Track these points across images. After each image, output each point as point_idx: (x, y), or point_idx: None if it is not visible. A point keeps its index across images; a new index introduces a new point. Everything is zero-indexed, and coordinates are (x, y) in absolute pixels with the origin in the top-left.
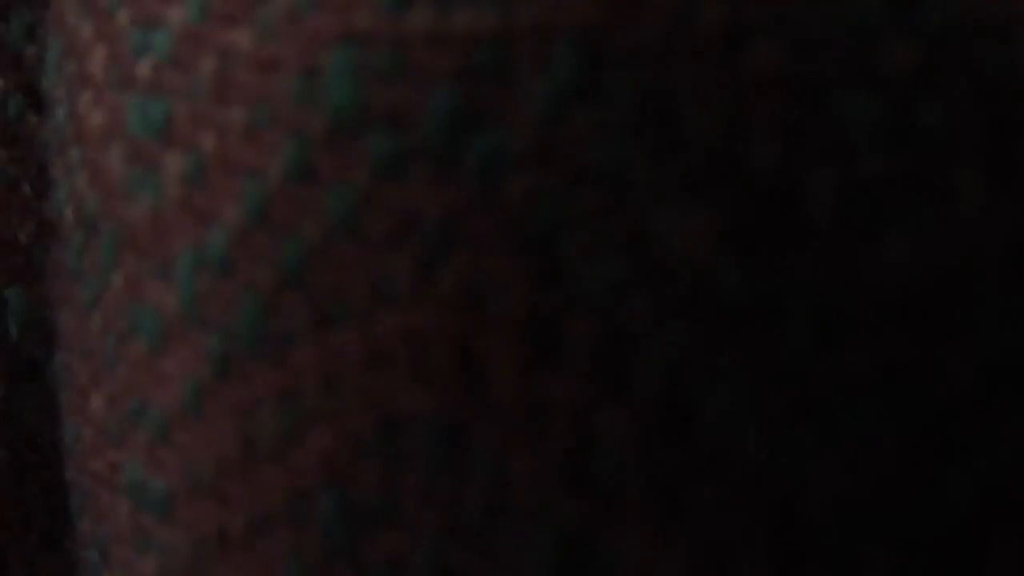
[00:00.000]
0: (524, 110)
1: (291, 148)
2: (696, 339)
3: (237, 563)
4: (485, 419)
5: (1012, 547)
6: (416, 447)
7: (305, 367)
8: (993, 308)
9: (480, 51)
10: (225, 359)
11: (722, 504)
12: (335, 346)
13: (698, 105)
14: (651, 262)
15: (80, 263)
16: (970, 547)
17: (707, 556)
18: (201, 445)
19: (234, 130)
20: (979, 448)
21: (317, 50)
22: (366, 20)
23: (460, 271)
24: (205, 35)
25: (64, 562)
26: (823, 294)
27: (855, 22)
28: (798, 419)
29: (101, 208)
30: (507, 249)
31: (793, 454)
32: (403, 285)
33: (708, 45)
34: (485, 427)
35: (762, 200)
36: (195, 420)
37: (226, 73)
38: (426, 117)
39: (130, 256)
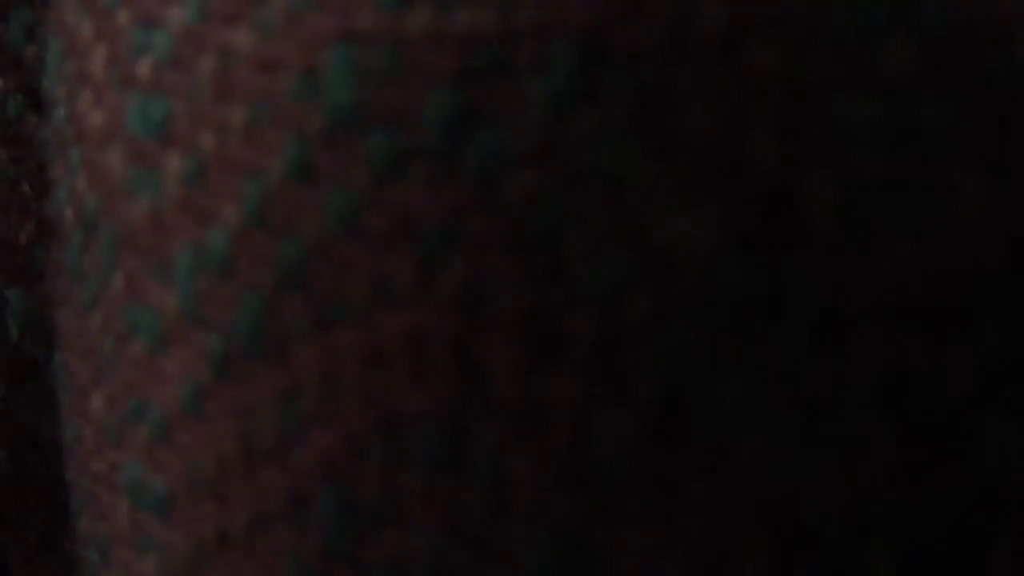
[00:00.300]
0: (524, 110)
1: (291, 148)
2: (697, 339)
3: (237, 563)
4: (485, 419)
5: (1013, 547)
6: (416, 447)
7: (305, 367)
8: (993, 308)
9: (480, 51)
10: (225, 359)
11: (722, 504)
12: (335, 346)
13: (698, 105)
14: (652, 262)
15: (80, 263)
16: (970, 547)
17: (707, 556)
18: (201, 445)
19: (234, 130)
20: (980, 448)
21: (317, 50)
22: (366, 20)
23: (460, 271)
24: (205, 35)
25: (64, 562)
26: (823, 294)
27: (855, 22)
28: (798, 419)
29: (101, 208)
30: (507, 249)
31: (793, 454)
32: (403, 285)
33: (708, 45)
34: (485, 427)
35: (762, 200)
36: (195, 420)
37: (226, 73)
38: (426, 117)
39: (130, 256)
